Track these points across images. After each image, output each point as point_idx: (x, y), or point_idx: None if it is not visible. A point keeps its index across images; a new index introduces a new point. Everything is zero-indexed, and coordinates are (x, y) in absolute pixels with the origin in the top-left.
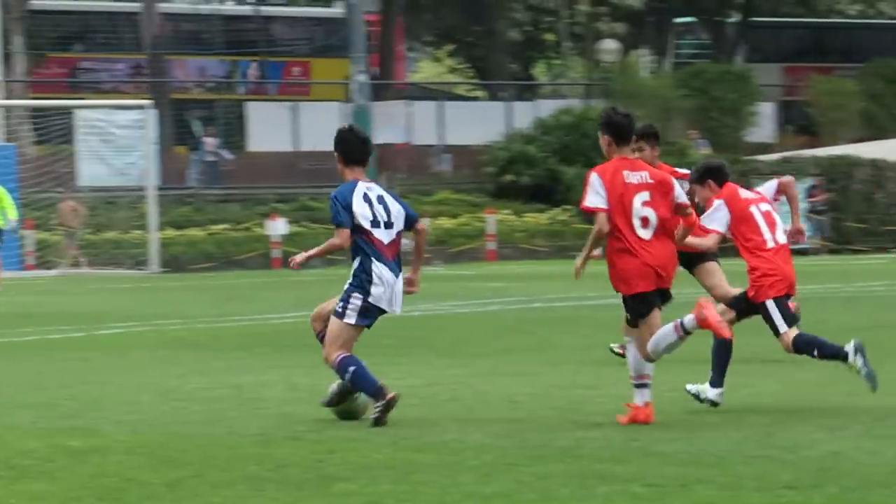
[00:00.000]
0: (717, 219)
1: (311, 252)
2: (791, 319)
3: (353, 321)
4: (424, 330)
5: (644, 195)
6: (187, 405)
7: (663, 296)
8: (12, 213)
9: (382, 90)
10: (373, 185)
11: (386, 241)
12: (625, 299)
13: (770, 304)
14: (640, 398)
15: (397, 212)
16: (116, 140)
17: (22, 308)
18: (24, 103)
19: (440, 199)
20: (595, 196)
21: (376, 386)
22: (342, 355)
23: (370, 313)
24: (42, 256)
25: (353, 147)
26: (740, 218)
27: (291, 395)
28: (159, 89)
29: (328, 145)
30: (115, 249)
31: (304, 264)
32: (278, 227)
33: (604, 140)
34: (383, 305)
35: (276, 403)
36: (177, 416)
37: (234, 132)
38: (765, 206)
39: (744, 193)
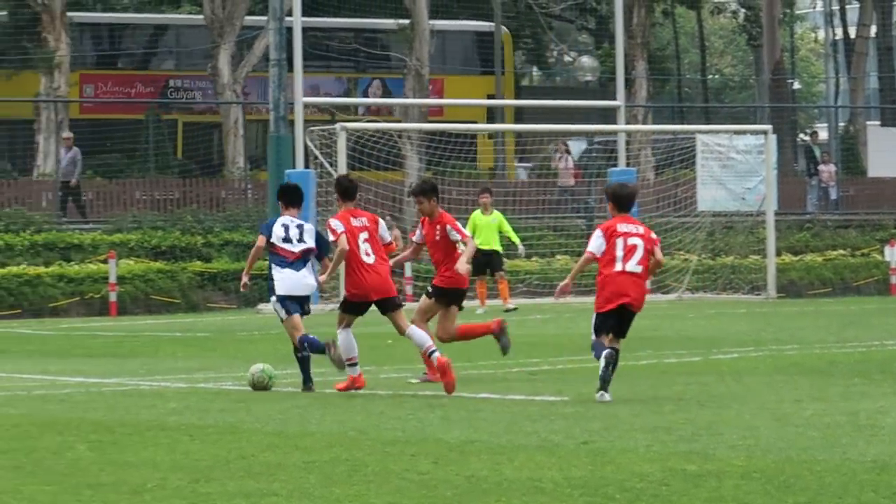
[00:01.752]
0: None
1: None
2: None
3: None
4: None
5: None
6: (804, 431)
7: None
8: (516, 239)
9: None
10: None
11: None
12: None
13: None
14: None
15: None
16: (736, 165)
17: (639, 332)
18: (644, 128)
19: None
20: None
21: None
22: None
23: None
24: (659, 281)
25: None
26: None
27: None
28: (779, 114)
29: None
30: (732, 274)
31: None
32: None
33: None
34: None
35: (891, 430)
36: (793, 441)
37: (852, 158)
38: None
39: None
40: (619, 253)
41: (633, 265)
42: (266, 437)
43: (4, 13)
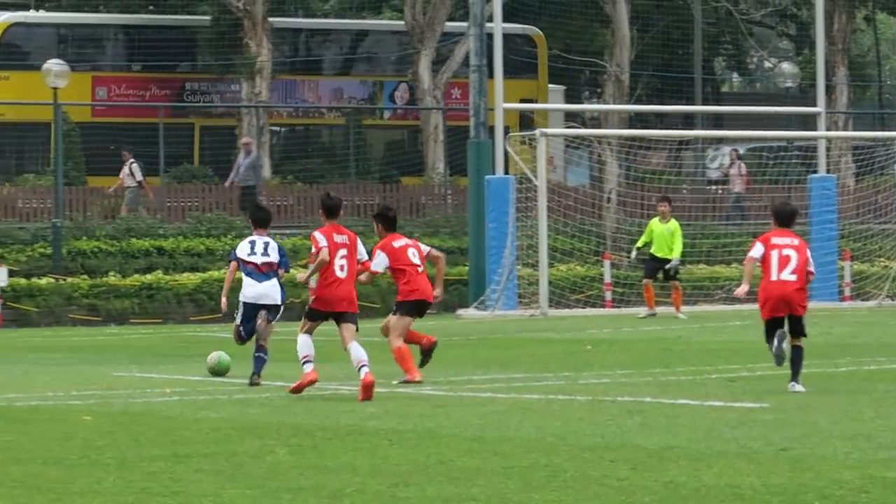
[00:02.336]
0: None
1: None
2: None
3: None
4: None
5: None
6: None
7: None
8: (678, 251)
9: None
10: None
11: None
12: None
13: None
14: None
15: None
16: None
17: (838, 339)
18: (844, 135)
19: None
20: None
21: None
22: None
23: None
24: (859, 287)
25: None
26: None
27: None
28: None
29: None
30: None
31: None
32: None
33: None
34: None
35: None
36: None
37: None
38: None
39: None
40: (774, 263)
41: (787, 274)
42: (465, 441)
43: (207, 18)
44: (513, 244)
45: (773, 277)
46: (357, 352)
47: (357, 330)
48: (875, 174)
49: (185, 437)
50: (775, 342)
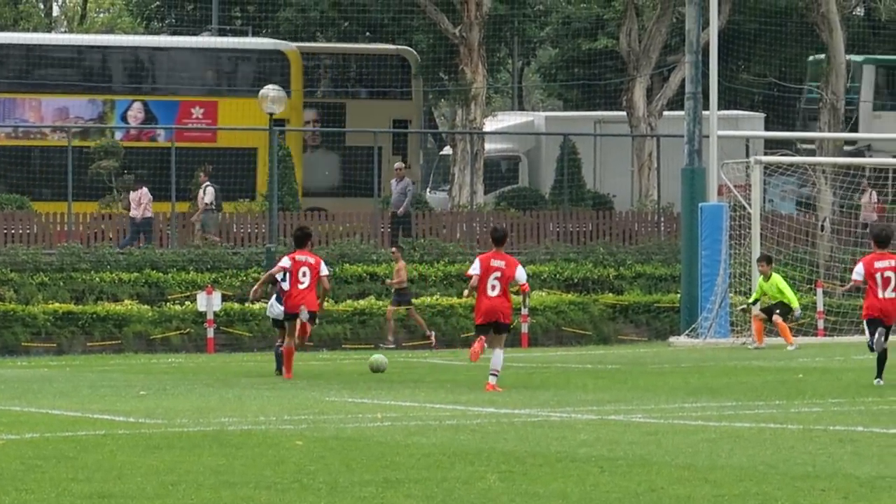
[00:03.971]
0: None
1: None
2: None
3: None
4: None
5: None
6: None
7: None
8: (794, 302)
9: None
10: None
11: None
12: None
13: None
14: None
15: None
16: None
17: None
18: None
19: None
20: None
21: None
22: None
23: None
24: None
25: None
26: None
27: None
28: None
29: None
30: None
31: None
32: None
33: None
34: None
35: None
36: None
37: None
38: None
39: None
40: (879, 283)
41: (889, 293)
42: (676, 469)
43: (424, 45)
44: (725, 272)
45: (880, 295)
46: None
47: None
48: None
49: (396, 462)
50: (876, 336)
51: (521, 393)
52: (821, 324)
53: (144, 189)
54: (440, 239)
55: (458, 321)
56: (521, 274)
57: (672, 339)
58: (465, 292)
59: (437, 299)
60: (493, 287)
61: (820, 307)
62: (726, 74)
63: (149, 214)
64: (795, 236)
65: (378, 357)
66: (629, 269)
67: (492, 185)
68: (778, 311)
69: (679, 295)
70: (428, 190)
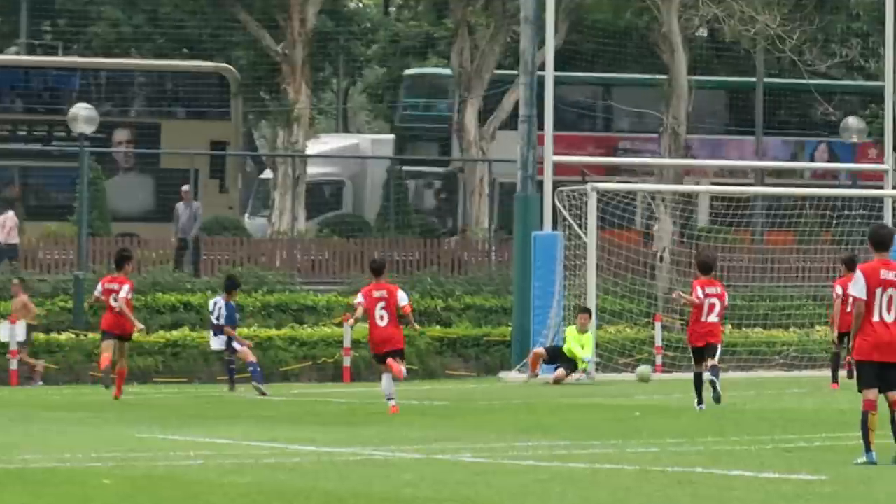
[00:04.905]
0: None
1: None
2: None
3: None
4: None
5: None
6: None
7: None
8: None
9: None
10: None
11: None
12: None
13: None
14: None
15: None
16: None
17: None
18: None
19: None
20: None
21: None
22: None
23: None
24: None
25: None
26: None
27: None
28: None
29: None
30: None
31: None
32: None
33: None
34: None
35: None
36: None
37: None
38: None
39: None
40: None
41: (713, 317)
42: None
43: (244, 62)
44: (559, 304)
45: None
46: None
47: None
48: None
49: (210, 502)
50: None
51: (343, 430)
52: (659, 359)
53: (10, 213)
54: (258, 267)
55: (277, 353)
56: (402, 297)
57: (502, 374)
58: (350, 321)
59: (255, 331)
60: (382, 317)
61: (658, 342)
62: (561, 97)
63: (14, 240)
64: (633, 267)
65: (644, 368)
66: (458, 300)
67: (315, 211)
68: (565, 365)
69: (510, 328)
70: (247, 215)
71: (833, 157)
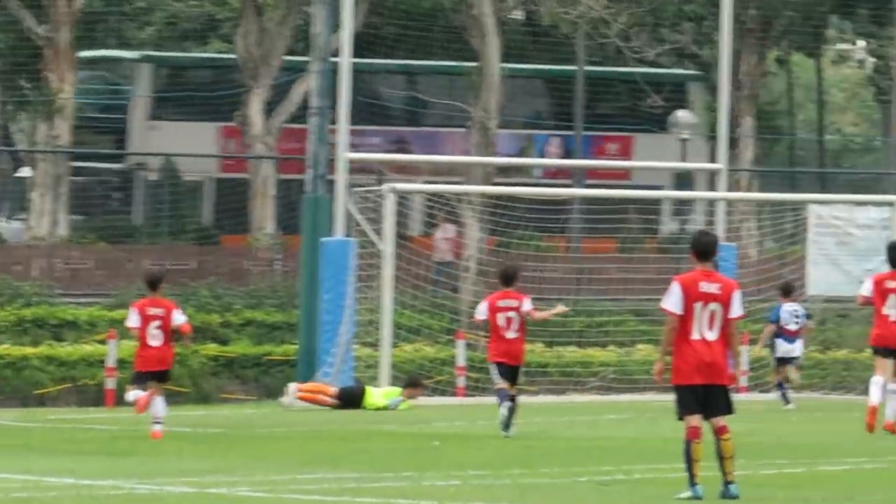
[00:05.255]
0: None
1: None
2: None
3: None
4: None
5: None
6: None
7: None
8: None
9: None
10: None
11: None
12: None
13: None
14: None
15: None
16: (855, 242)
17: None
18: (749, 197)
19: None
20: None
21: None
22: None
23: None
24: (758, 377)
25: None
26: None
27: None
28: None
29: None
30: (845, 371)
31: None
32: None
33: None
34: None
35: None
36: None
37: None
38: None
39: None
40: (502, 323)
41: (511, 333)
42: None
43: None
44: (351, 319)
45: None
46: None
47: None
48: (782, 243)
49: None
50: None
51: (103, 460)
52: (461, 381)
53: None
54: (12, 277)
55: (33, 374)
56: (178, 318)
57: (284, 398)
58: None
59: (7, 349)
60: (154, 336)
61: (461, 362)
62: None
63: None
64: (435, 279)
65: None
66: (237, 314)
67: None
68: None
69: (295, 346)
70: (4, 219)
71: (568, 153)
